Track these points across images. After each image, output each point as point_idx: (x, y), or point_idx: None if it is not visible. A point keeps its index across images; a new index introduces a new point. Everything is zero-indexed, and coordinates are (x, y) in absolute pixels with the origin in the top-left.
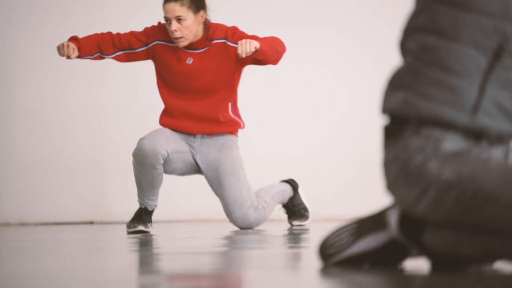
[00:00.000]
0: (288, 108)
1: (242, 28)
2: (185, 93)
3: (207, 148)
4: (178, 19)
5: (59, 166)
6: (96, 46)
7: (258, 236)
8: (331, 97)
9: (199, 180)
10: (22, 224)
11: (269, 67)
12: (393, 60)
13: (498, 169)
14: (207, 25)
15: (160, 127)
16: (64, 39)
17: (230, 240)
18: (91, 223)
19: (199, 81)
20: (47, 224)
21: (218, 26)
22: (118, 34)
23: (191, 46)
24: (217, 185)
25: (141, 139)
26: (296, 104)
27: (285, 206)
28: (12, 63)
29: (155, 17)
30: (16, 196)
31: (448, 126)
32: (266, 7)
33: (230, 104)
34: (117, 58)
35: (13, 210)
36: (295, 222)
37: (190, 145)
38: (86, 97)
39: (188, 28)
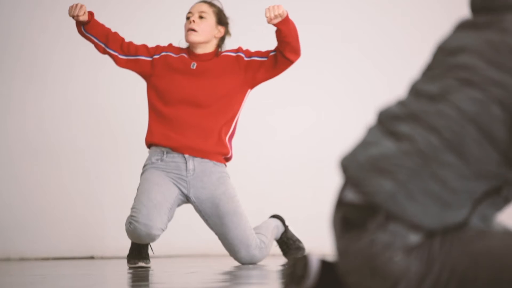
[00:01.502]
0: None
1: (237, 22)
2: (183, 102)
3: (201, 183)
4: (201, 16)
5: (59, 201)
6: (104, 34)
7: (259, 272)
8: (331, 102)
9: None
10: (22, 259)
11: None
12: (394, 62)
13: (466, 251)
14: (220, 46)
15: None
16: (65, 40)
17: (231, 275)
18: (92, 258)
19: (201, 86)
20: (47, 259)
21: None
22: (130, 42)
23: (198, 56)
24: (217, 223)
25: (133, 218)
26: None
27: (280, 241)
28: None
29: (163, 16)
30: (17, 231)
31: (420, 228)
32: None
33: (230, 130)
34: (116, 58)
35: (13, 245)
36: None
37: (182, 180)
38: (87, 130)
39: (205, 26)
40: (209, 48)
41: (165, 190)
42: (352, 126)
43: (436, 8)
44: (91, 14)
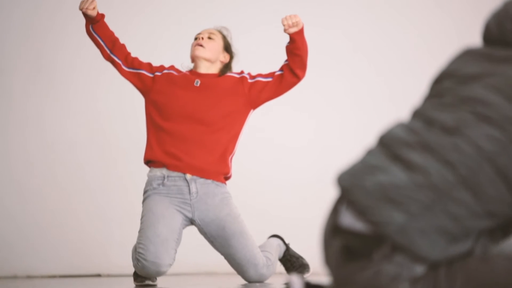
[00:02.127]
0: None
1: (237, 25)
2: (185, 118)
3: (205, 205)
4: (209, 37)
5: (65, 218)
6: (112, 40)
7: None
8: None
9: None
10: (29, 277)
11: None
12: (394, 64)
13: (471, 281)
14: (223, 72)
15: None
16: (66, 41)
17: None
18: (99, 275)
19: (205, 102)
20: (54, 276)
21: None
22: (136, 57)
23: (201, 76)
24: (224, 245)
25: (141, 256)
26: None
27: (283, 260)
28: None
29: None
30: (23, 249)
31: (426, 260)
32: (261, 4)
33: (232, 149)
34: (119, 67)
35: (20, 263)
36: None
37: (186, 204)
38: (96, 148)
39: (213, 46)
40: (213, 69)
41: (170, 221)
42: (353, 144)
43: (437, 12)
44: (101, 15)
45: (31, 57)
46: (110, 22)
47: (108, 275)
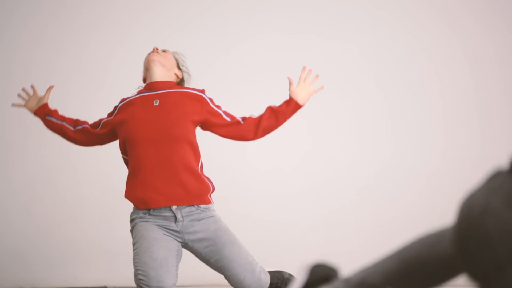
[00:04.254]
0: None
1: (239, 30)
2: (152, 141)
3: (192, 228)
4: (163, 50)
5: (70, 230)
6: (71, 120)
7: None
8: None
9: None
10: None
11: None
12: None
13: None
14: (180, 83)
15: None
16: (66, 41)
17: None
18: None
19: (167, 120)
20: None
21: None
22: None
23: (157, 86)
24: (217, 259)
25: (143, 282)
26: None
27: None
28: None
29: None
30: (29, 261)
31: None
32: (264, 11)
33: (200, 160)
34: (87, 130)
35: (26, 274)
36: None
37: (174, 231)
38: (101, 155)
39: (166, 58)
40: (167, 78)
41: (164, 242)
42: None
43: (444, 28)
44: (49, 111)
45: (26, 58)
46: (106, 29)
47: (115, 287)
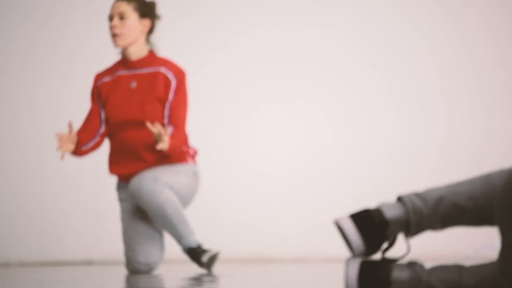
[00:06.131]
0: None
1: (235, 28)
2: (130, 125)
3: None
4: (121, 17)
5: (56, 205)
6: (96, 142)
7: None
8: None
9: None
10: (22, 264)
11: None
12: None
13: None
14: (153, 47)
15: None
16: (63, 41)
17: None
18: (90, 262)
19: (141, 103)
20: (46, 263)
21: (169, 61)
22: (86, 119)
23: (134, 65)
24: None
25: (131, 258)
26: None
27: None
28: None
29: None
30: (15, 236)
31: None
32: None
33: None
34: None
35: (13, 248)
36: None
37: None
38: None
39: (128, 28)
40: (140, 48)
41: (148, 217)
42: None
43: (436, 9)
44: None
45: (22, 56)
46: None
47: (100, 262)
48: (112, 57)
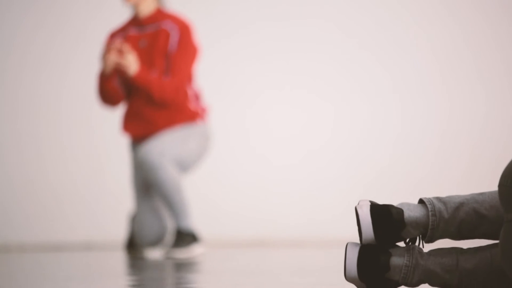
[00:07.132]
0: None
1: (234, 21)
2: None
3: None
4: None
5: (59, 188)
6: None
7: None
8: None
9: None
10: (21, 247)
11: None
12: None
13: None
14: (161, 4)
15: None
16: (59, 40)
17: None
18: (88, 245)
19: (148, 61)
20: (45, 244)
21: (173, 16)
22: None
23: (143, 22)
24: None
25: (133, 227)
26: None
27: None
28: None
29: None
30: (16, 216)
31: None
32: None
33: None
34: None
35: (10, 231)
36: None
37: None
38: (82, 126)
39: None
40: (150, 4)
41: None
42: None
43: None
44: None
45: (21, 52)
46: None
47: (98, 245)
48: None
